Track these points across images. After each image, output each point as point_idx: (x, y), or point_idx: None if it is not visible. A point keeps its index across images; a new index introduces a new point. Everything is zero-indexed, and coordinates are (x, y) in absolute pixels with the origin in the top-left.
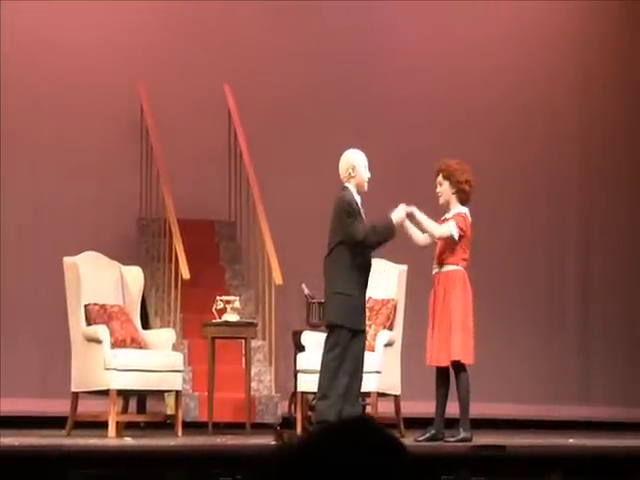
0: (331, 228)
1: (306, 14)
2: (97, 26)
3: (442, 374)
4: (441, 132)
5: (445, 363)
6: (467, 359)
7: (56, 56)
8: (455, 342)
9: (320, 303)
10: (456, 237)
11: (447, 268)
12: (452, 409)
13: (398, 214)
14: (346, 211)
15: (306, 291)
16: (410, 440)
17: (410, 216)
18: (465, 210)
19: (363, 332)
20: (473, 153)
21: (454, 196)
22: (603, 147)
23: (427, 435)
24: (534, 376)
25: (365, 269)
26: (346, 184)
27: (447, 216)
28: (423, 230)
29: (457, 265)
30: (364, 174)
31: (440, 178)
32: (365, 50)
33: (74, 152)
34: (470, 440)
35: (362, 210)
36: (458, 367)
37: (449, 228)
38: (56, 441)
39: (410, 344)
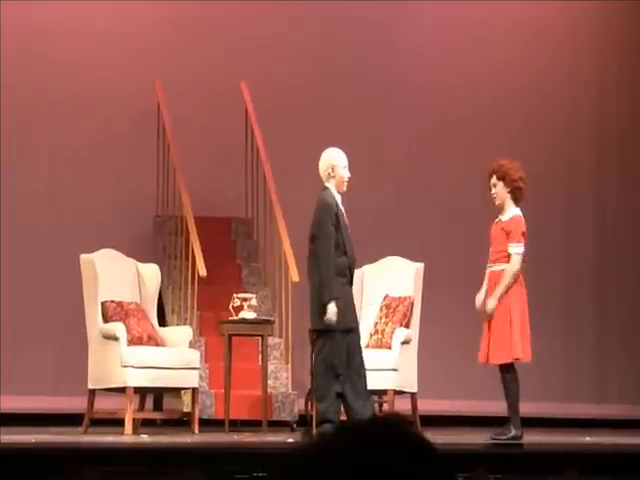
0: (313, 227)
1: (323, 10)
2: (113, 24)
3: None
4: (458, 129)
5: (507, 360)
6: (527, 356)
7: (73, 54)
8: (520, 340)
9: None
10: (522, 249)
11: (506, 266)
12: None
13: (330, 314)
14: (323, 212)
15: None
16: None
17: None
18: (519, 212)
19: (355, 329)
20: (487, 153)
21: (509, 195)
22: (619, 149)
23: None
24: (550, 374)
25: (346, 267)
26: (326, 184)
27: (502, 218)
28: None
29: None
30: (344, 173)
31: (494, 179)
32: (383, 46)
33: (90, 150)
34: (521, 438)
35: (343, 210)
36: (512, 365)
37: (514, 259)
38: (73, 438)
39: (426, 342)
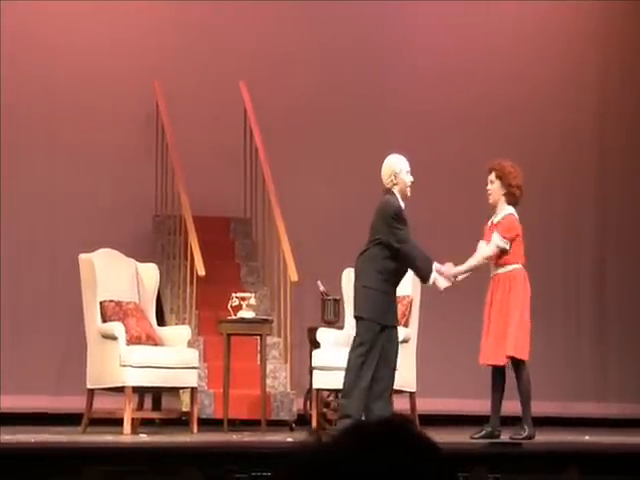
0: (372, 227)
1: (323, 12)
2: (113, 27)
3: (500, 373)
4: (459, 133)
5: (502, 362)
6: (522, 355)
7: (73, 57)
8: (510, 338)
9: (336, 300)
10: (507, 247)
11: (508, 268)
12: (479, 407)
13: (440, 281)
14: (395, 217)
15: (321, 288)
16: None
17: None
18: (512, 210)
19: (394, 328)
20: (489, 156)
21: (503, 197)
22: (621, 151)
23: (483, 432)
24: (551, 373)
25: (397, 273)
26: (392, 190)
27: (494, 219)
28: (477, 269)
29: (517, 264)
30: (407, 179)
31: (492, 176)
32: (383, 48)
33: (90, 150)
34: (533, 437)
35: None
36: (518, 364)
37: (495, 245)
38: (72, 438)
39: (425, 341)
